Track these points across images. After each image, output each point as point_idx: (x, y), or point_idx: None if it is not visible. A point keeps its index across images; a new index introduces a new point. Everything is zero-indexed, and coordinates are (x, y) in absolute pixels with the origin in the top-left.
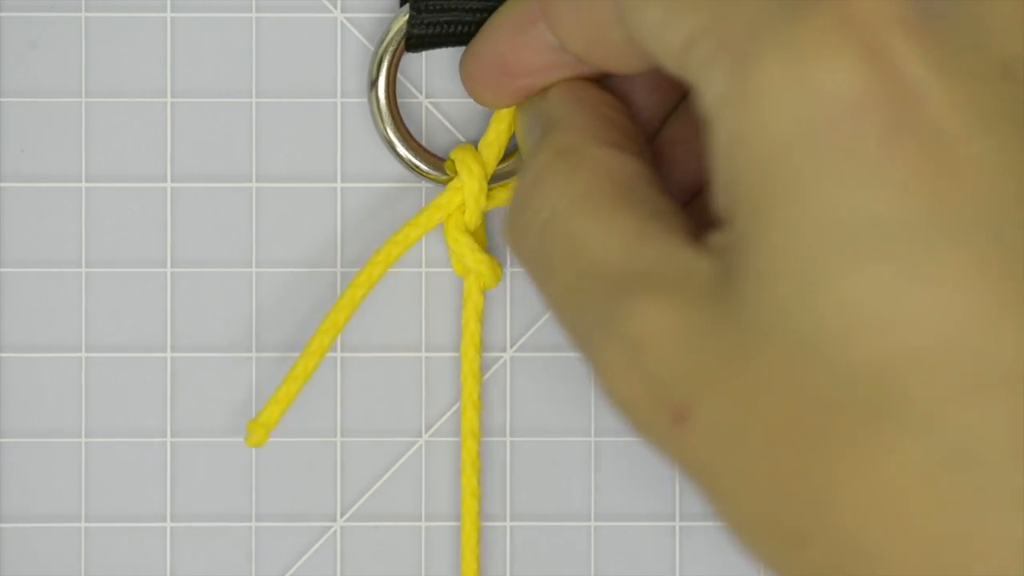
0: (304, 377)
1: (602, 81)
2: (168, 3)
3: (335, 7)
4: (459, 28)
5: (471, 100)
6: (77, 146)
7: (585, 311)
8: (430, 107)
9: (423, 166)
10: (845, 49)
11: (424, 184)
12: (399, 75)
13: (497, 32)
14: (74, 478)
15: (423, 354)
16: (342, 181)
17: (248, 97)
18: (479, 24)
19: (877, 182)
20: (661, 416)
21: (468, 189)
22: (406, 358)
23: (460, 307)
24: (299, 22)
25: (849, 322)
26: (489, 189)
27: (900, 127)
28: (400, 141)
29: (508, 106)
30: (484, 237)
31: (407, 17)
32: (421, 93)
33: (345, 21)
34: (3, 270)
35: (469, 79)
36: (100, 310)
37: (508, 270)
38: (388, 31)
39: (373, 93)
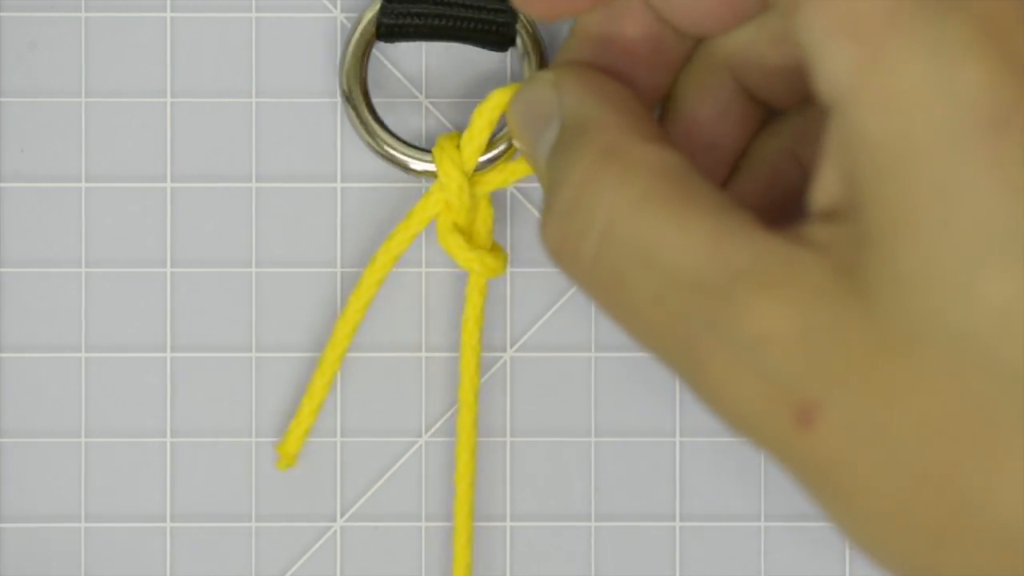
0: (323, 392)
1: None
2: (168, 3)
3: (335, 7)
4: (429, 20)
5: (471, 100)
6: (77, 146)
7: (680, 318)
8: (430, 107)
9: (399, 154)
10: (987, 55)
11: (424, 184)
12: (399, 75)
13: None
14: (74, 478)
15: (423, 354)
16: (342, 181)
17: (248, 97)
18: (447, 18)
19: None
20: (782, 416)
21: (448, 190)
22: (406, 358)
23: (460, 307)
24: (299, 22)
25: (1009, 323)
26: (477, 174)
27: None
28: (380, 130)
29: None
30: (489, 216)
31: (380, 7)
32: (421, 93)
33: (345, 21)
34: (3, 270)
35: None
36: (100, 310)
37: (509, 269)
38: (360, 20)
39: (344, 80)
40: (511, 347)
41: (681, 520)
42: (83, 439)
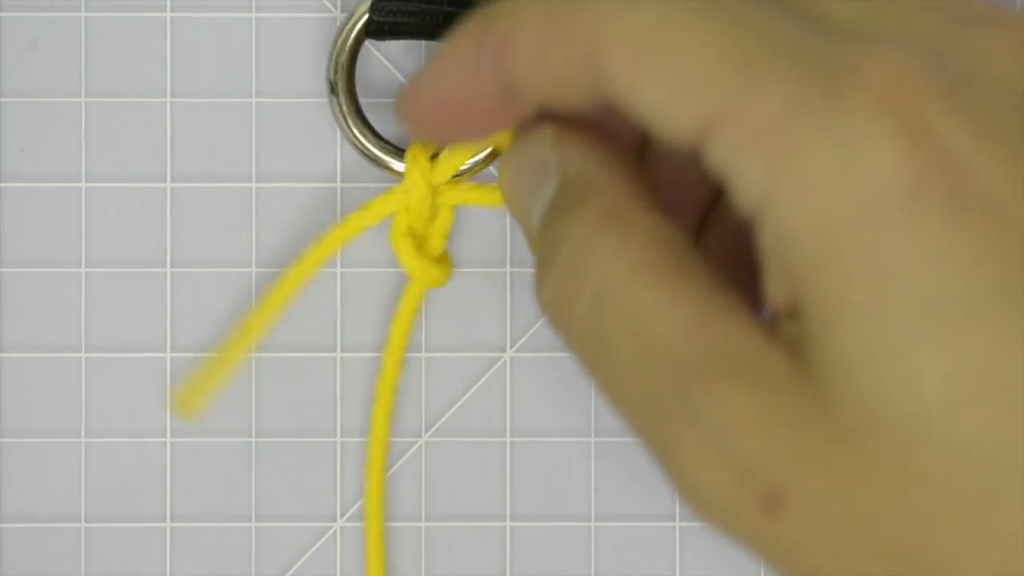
0: (243, 350)
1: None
2: (168, 3)
3: (335, 7)
4: (421, 19)
5: None
6: (77, 146)
7: (654, 392)
8: None
9: (378, 152)
10: (889, 131)
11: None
12: (398, 75)
13: (442, 69)
14: (74, 478)
15: (423, 354)
16: (342, 181)
17: (248, 97)
18: (440, 16)
19: (950, 259)
20: (749, 502)
21: (411, 197)
22: (406, 358)
23: (457, 309)
24: (299, 22)
25: (952, 400)
26: (444, 184)
27: (959, 202)
28: (364, 129)
29: (452, 143)
30: (447, 225)
31: (370, 4)
32: None
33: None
34: (3, 270)
35: (408, 117)
36: (100, 310)
37: (509, 269)
38: (351, 17)
39: (331, 77)
40: (511, 347)
41: (681, 520)
42: (83, 439)
